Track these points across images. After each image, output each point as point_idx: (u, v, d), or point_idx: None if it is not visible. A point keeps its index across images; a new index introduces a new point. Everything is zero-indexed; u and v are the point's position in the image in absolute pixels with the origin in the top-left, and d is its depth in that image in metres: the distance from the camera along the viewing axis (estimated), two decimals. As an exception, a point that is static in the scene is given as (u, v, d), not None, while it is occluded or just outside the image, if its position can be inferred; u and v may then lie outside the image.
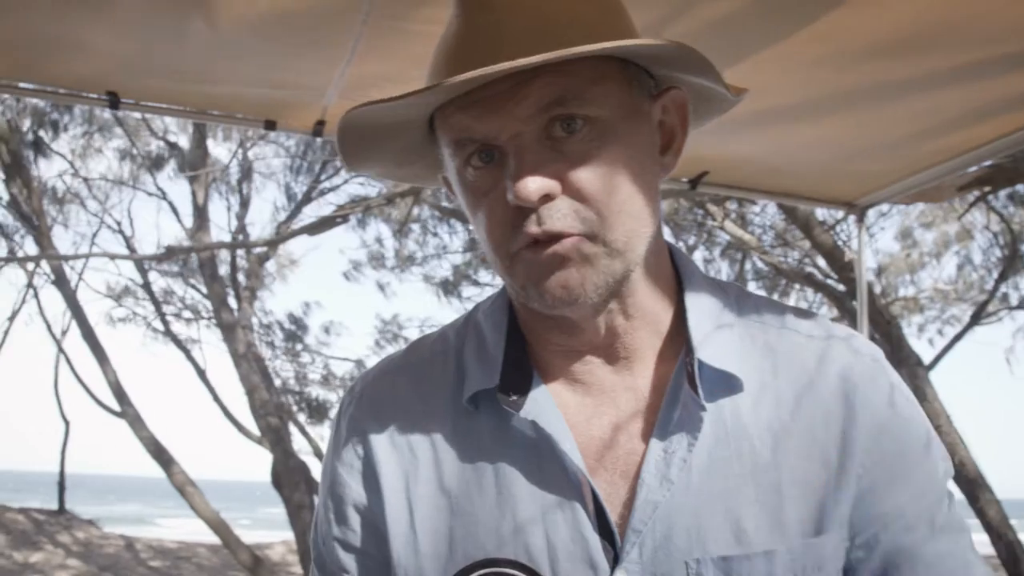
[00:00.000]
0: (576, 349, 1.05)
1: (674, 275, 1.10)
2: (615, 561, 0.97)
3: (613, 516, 0.98)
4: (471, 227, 1.05)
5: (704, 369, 1.00)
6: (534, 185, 0.91)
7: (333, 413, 1.24)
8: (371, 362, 11.14)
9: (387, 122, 1.00)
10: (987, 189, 6.28)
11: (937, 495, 1.04)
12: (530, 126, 0.94)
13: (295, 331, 13.60)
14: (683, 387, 1.01)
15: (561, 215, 0.93)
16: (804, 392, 1.03)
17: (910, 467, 1.03)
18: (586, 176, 0.94)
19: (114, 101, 3.04)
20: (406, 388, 1.10)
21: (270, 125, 3.30)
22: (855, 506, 1.01)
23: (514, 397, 1.01)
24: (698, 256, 12.22)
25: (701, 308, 1.06)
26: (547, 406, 1.02)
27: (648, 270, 1.03)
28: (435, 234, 12.21)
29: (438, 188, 1.14)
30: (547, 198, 0.93)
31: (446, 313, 13.25)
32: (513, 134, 0.94)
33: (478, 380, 1.05)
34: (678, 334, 1.06)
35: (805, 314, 1.13)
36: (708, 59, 0.96)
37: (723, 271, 12.16)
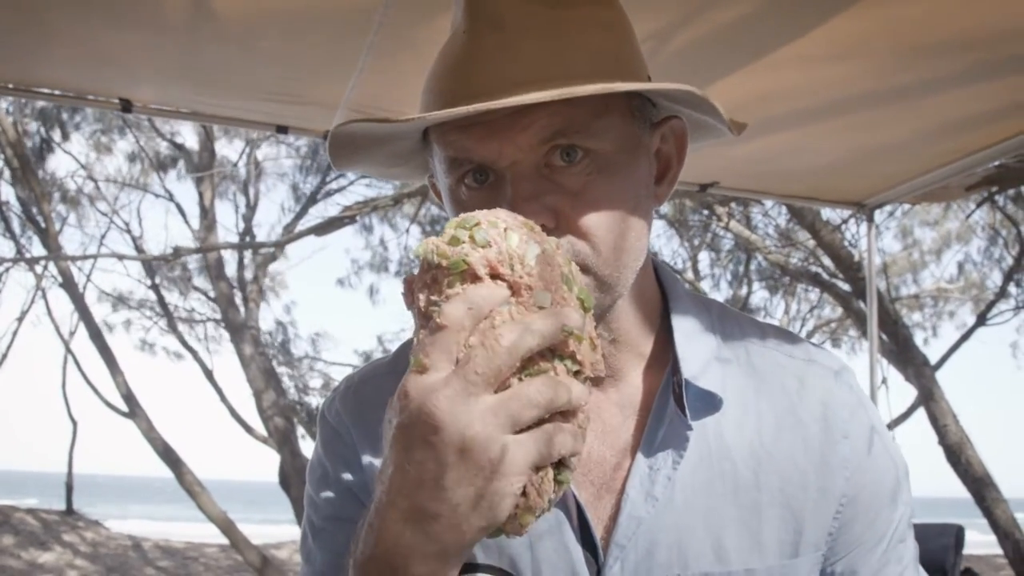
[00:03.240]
0: None
1: (659, 292, 1.11)
2: (598, 574, 0.99)
3: (597, 530, 1.00)
4: None
5: (689, 388, 1.02)
6: (531, 215, 0.89)
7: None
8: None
9: (380, 131, 0.99)
10: (994, 189, 6.28)
11: (896, 535, 1.08)
12: (530, 155, 0.93)
13: (295, 335, 13.61)
14: (668, 405, 1.02)
15: None
16: (785, 414, 1.06)
17: (878, 512, 1.06)
18: (583, 211, 0.93)
19: (126, 105, 3.08)
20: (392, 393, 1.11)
21: (282, 129, 3.34)
22: (833, 535, 1.04)
23: None
24: (704, 257, 12.24)
25: (686, 327, 1.07)
26: None
27: (633, 294, 1.04)
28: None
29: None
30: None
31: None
32: (512, 161, 0.93)
33: None
34: (663, 352, 1.07)
35: (786, 334, 1.15)
36: (715, 104, 0.95)
37: (728, 271, 12.17)
